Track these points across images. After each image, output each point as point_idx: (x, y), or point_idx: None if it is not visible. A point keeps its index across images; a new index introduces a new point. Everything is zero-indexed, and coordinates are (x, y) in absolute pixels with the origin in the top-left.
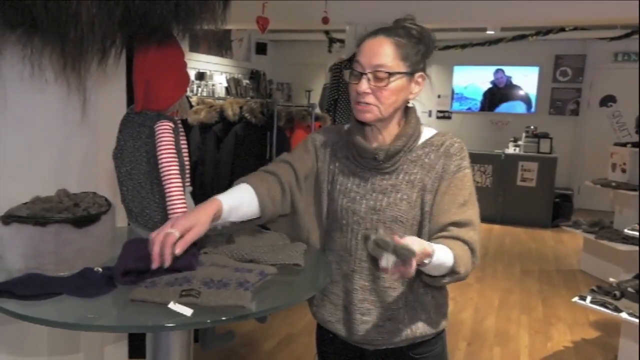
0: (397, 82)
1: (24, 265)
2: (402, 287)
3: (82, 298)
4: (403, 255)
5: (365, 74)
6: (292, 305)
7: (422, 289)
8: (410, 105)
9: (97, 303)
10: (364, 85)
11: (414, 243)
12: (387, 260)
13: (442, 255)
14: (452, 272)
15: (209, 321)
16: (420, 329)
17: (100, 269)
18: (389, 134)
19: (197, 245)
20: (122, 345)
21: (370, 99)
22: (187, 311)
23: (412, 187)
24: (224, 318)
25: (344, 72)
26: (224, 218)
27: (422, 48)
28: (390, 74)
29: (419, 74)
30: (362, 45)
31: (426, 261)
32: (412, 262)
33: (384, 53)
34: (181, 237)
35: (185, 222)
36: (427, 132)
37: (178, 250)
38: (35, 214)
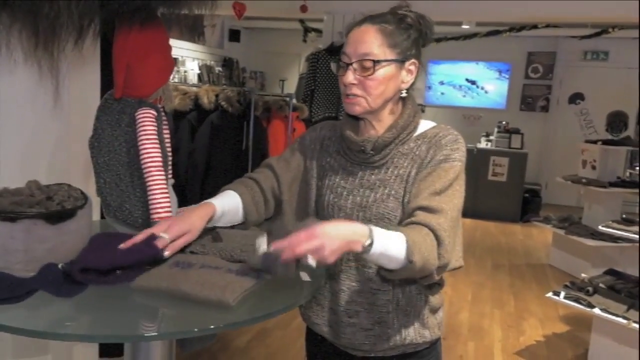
0: (384, 71)
1: None
2: (393, 289)
3: (53, 301)
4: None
5: (351, 64)
6: (287, 310)
7: (415, 290)
8: (404, 94)
9: (70, 308)
10: (350, 77)
11: (336, 228)
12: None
13: (388, 243)
14: (407, 262)
15: (195, 330)
16: (410, 335)
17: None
18: (382, 127)
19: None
20: (92, 344)
21: (356, 90)
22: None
23: (401, 182)
24: (212, 327)
25: (332, 65)
26: (213, 223)
27: (413, 33)
28: (375, 62)
29: (411, 61)
30: (349, 35)
31: (359, 249)
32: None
33: (369, 41)
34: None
35: (180, 227)
36: (424, 125)
37: (167, 254)
38: (4, 208)
